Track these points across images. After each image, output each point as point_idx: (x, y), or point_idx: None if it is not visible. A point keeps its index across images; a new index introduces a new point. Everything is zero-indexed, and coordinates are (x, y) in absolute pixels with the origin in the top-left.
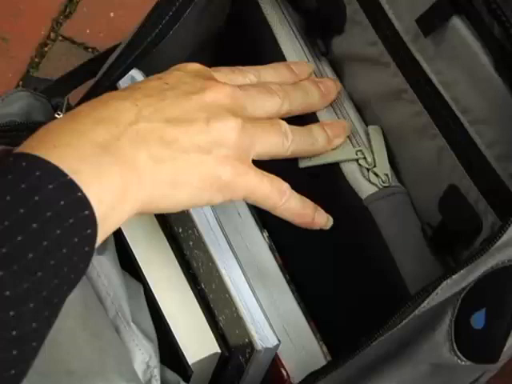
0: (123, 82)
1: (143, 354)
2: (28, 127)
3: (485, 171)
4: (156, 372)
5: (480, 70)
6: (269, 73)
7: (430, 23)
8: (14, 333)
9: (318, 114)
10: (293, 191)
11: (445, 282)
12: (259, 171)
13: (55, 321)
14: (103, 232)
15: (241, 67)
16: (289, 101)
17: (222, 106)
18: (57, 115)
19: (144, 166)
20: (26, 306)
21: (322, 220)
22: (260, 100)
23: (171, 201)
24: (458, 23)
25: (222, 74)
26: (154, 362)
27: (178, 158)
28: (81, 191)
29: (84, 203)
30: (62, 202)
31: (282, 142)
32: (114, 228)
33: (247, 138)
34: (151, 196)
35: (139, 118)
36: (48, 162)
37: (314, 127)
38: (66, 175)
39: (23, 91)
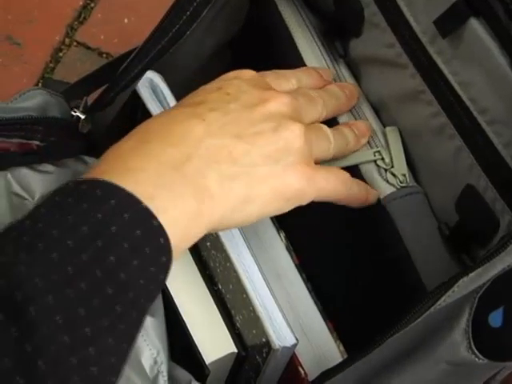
0: (141, 85)
1: (151, 350)
2: (43, 122)
3: (502, 171)
4: (163, 368)
5: (497, 71)
6: (305, 77)
7: (448, 25)
8: (94, 369)
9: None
10: (352, 178)
11: (461, 280)
12: (323, 169)
13: (131, 352)
14: (175, 255)
15: (281, 72)
16: (326, 107)
17: (285, 115)
18: (73, 112)
19: (216, 185)
20: (105, 341)
21: (373, 197)
22: (308, 107)
23: (242, 216)
24: (475, 24)
25: (271, 79)
26: (162, 357)
27: (249, 172)
28: (156, 219)
29: (160, 231)
30: (138, 232)
31: (328, 145)
32: (184, 250)
33: (308, 142)
34: (224, 214)
35: (207, 135)
36: (122, 190)
37: (343, 128)
38: (140, 202)
39: (39, 89)
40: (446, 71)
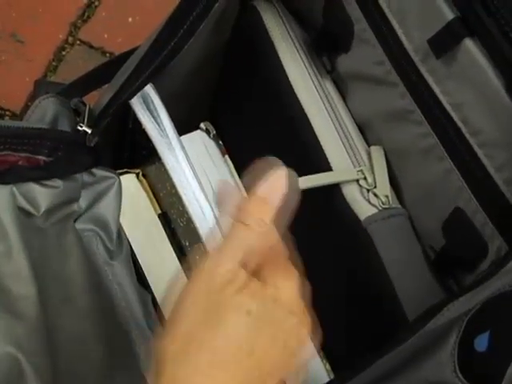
0: (135, 101)
1: None
2: (51, 137)
3: (493, 194)
4: None
5: (491, 93)
6: None
7: (443, 44)
8: None
9: (321, 139)
10: None
11: (451, 304)
12: None
13: None
14: None
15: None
16: None
17: None
18: (79, 127)
19: None
20: None
21: None
22: None
23: None
24: (470, 45)
25: None
26: None
27: None
28: None
29: None
30: None
31: None
32: None
33: None
34: None
35: None
36: None
37: None
38: None
39: (52, 97)
40: (437, 91)
